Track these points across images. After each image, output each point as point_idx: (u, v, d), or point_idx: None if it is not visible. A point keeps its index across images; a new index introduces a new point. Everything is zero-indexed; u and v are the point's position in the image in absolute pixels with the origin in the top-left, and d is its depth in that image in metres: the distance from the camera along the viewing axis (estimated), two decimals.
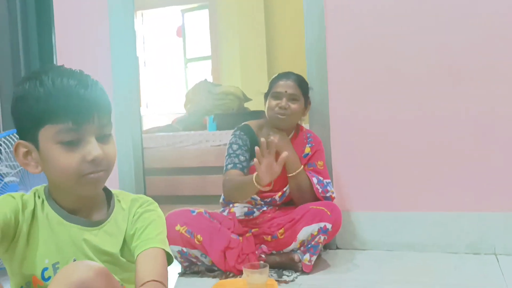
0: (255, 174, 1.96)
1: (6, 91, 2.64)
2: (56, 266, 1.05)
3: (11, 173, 1.98)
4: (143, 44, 6.74)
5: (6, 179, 1.97)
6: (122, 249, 1.11)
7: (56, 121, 0.98)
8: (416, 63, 2.32)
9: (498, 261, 2.13)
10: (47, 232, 1.06)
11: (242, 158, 2.22)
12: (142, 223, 1.12)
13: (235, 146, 2.24)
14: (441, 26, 2.28)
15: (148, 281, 0.99)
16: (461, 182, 2.28)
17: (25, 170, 2.01)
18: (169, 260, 1.11)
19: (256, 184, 1.95)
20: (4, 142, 1.98)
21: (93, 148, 1.00)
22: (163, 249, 1.08)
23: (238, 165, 2.19)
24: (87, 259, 1.05)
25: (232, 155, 2.23)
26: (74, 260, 1.05)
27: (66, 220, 1.07)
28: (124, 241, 1.11)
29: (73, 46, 2.82)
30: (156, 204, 1.18)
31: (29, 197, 1.08)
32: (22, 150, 1.04)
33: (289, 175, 2.20)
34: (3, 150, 1.97)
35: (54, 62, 2.76)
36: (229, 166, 2.20)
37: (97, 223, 1.09)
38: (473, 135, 2.26)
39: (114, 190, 1.18)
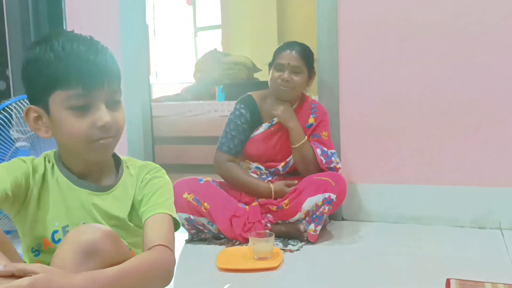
0: (273, 187, 2.20)
1: (16, 56, 2.65)
2: (66, 229, 1.07)
3: (22, 138, 2.00)
4: (153, 12, 6.66)
5: (17, 144, 2.00)
6: (130, 214, 1.13)
7: (66, 86, 0.99)
8: (429, 33, 2.28)
9: (503, 236, 2.14)
10: (57, 196, 1.08)
11: (236, 141, 2.25)
12: (150, 189, 1.13)
13: (232, 125, 2.26)
14: None
15: (155, 246, 1.02)
16: (469, 157, 2.27)
17: (36, 135, 2.03)
18: (176, 226, 1.13)
19: (272, 196, 2.20)
20: (15, 107, 1.99)
21: (103, 114, 1.01)
22: (170, 215, 1.10)
23: (232, 150, 2.25)
24: (96, 223, 1.07)
25: (228, 134, 2.26)
26: (83, 224, 1.07)
27: (76, 184, 1.09)
28: (132, 206, 1.13)
29: (82, 12, 2.80)
30: (164, 171, 1.20)
31: (39, 161, 1.10)
32: (33, 115, 1.05)
33: (293, 146, 2.21)
34: (14, 116, 1.99)
35: (64, 28, 2.75)
36: (224, 147, 2.25)
37: (106, 188, 1.11)
38: (483, 109, 2.24)
39: (122, 157, 1.20)
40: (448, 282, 1.62)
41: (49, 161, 1.11)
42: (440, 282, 1.62)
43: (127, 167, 1.18)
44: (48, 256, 1.04)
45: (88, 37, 1.04)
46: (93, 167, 1.11)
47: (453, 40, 2.25)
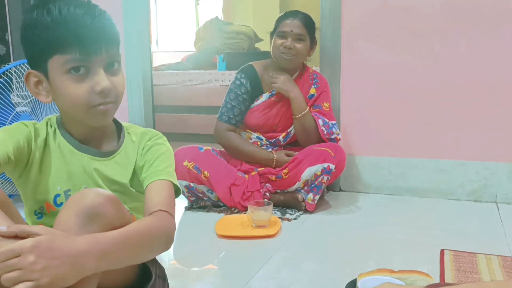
0: (275, 156, 2.22)
1: (16, 20, 2.62)
2: (68, 193, 1.08)
3: (22, 103, 2.01)
4: None
5: (18, 109, 2.00)
6: (131, 180, 1.14)
7: (64, 51, 0.98)
8: (434, 6, 2.25)
9: (498, 209, 2.17)
10: (59, 161, 1.09)
11: (236, 111, 2.25)
12: (151, 155, 1.14)
13: (232, 95, 2.26)
14: None
15: (156, 211, 1.03)
16: (467, 131, 2.28)
17: (36, 100, 2.03)
18: (177, 192, 1.14)
19: (273, 164, 2.22)
20: (15, 71, 1.98)
21: (101, 79, 1.01)
22: (171, 181, 1.12)
23: (232, 119, 2.26)
24: (98, 187, 1.08)
25: (228, 104, 2.26)
26: (85, 188, 1.08)
27: (78, 149, 1.09)
28: (134, 172, 1.14)
29: None
30: (165, 138, 1.21)
31: (41, 125, 1.11)
32: (33, 79, 1.05)
33: (295, 116, 2.21)
34: (14, 80, 1.98)
35: None
36: (224, 117, 2.26)
37: (107, 154, 1.12)
38: (481, 84, 2.23)
39: (124, 123, 1.20)
40: (442, 252, 1.65)
41: (51, 126, 1.11)
42: (434, 253, 1.65)
43: (128, 133, 1.18)
44: (51, 219, 1.05)
45: (86, 1, 1.03)
46: (94, 133, 1.12)
47: (459, 10, 2.22)
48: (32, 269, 0.77)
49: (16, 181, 1.10)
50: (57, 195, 1.08)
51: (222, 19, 5.58)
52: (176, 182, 1.13)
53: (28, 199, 1.10)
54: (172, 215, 1.05)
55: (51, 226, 0.91)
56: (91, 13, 1.00)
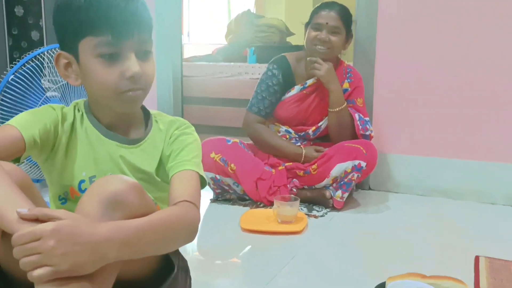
0: (305, 151, 2.16)
1: (50, 6, 2.64)
2: (93, 179, 1.06)
3: (52, 87, 2.01)
4: None
5: (48, 94, 2.01)
6: (157, 169, 1.12)
7: (96, 33, 0.97)
8: (475, 5, 2.16)
9: None
10: (86, 146, 1.07)
11: (267, 103, 2.20)
12: (178, 145, 1.11)
13: (263, 86, 2.21)
14: None
15: (180, 201, 1.00)
16: (505, 133, 2.19)
17: (66, 86, 2.04)
18: (203, 183, 1.11)
19: (301, 159, 2.16)
20: (47, 56, 1.99)
21: (132, 64, 0.98)
22: (197, 172, 1.09)
23: (262, 111, 2.22)
24: (123, 175, 1.06)
25: (259, 95, 2.22)
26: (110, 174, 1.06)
27: (104, 136, 1.08)
28: (160, 161, 1.12)
29: None
30: (193, 128, 1.18)
31: (69, 109, 1.09)
32: (63, 61, 1.04)
33: (332, 110, 2.15)
34: (45, 65, 1.99)
35: None
36: (254, 108, 2.22)
37: (134, 141, 1.10)
38: None
39: (152, 111, 1.18)
40: (477, 259, 1.57)
41: (78, 110, 1.09)
42: (468, 259, 1.58)
43: (156, 121, 1.16)
44: (74, 204, 1.03)
45: None
46: (122, 119, 1.09)
47: (499, 15, 2.12)
48: (51, 254, 0.75)
49: (42, 165, 1.09)
50: (82, 181, 1.06)
51: (254, 12, 5.53)
52: (203, 173, 1.10)
53: (53, 184, 1.09)
54: (197, 206, 1.02)
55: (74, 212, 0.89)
56: None
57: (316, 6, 2.21)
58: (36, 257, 0.75)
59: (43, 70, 1.99)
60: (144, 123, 1.14)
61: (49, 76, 2.01)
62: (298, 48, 3.80)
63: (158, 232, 0.90)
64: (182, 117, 2.93)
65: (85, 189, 1.05)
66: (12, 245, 0.76)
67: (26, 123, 0.99)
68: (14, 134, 0.96)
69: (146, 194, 0.98)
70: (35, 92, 1.99)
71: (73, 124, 1.08)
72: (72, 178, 1.06)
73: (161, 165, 1.12)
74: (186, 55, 4.82)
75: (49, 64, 2.00)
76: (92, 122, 1.08)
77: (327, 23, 2.11)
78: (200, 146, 1.16)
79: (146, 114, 1.16)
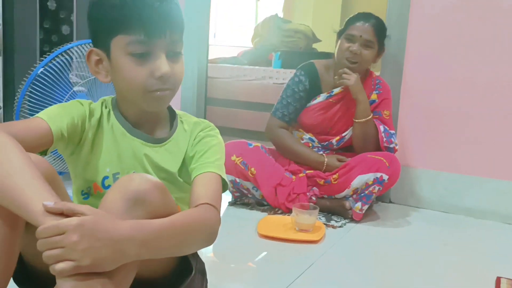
0: (327, 160, 2.14)
1: (82, 1, 2.67)
2: (116, 176, 1.07)
3: (80, 82, 2.03)
4: None
5: (75, 88, 2.03)
6: (180, 169, 1.11)
7: (128, 31, 0.97)
8: (506, 22, 2.11)
9: None
10: (111, 142, 1.07)
11: (291, 108, 2.19)
12: (202, 146, 1.11)
13: (289, 91, 2.20)
14: None
15: (202, 203, 1.00)
16: None
17: (93, 81, 2.06)
18: (224, 186, 1.10)
19: (323, 168, 2.15)
20: (76, 51, 2.02)
21: (162, 64, 0.99)
22: (220, 175, 1.08)
23: (286, 117, 2.20)
24: (146, 173, 1.06)
25: (284, 100, 2.21)
26: (134, 173, 1.06)
27: (130, 133, 1.08)
28: (183, 161, 1.12)
29: None
30: (217, 130, 1.17)
31: (96, 105, 1.10)
32: (94, 57, 1.04)
33: (358, 121, 2.12)
34: (74, 59, 2.02)
35: None
36: (278, 113, 2.21)
37: (159, 141, 1.10)
38: None
39: (178, 111, 1.18)
40: (498, 280, 1.53)
41: (106, 107, 1.10)
42: (489, 280, 1.54)
43: (182, 121, 1.16)
44: (97, 200, 1.04)
45: None
46: (148, 117, 1.10)
47: None
48: (74, 248, 0.75)
49: (67, 158, 1.10)
50: (106, 177, 1.07)
51: (282, 16, 5.53)
52: (225, 176, 1.10)
53: (77, 178, 1.09)
54: (218, 209, 1.02)
55: (97, 207, 0.89)
56: None
57: (352, 16, 2.17)
58: (59, 250, 0.75)
59: (71, 64, 2.01)
60: (170, 123, 1.14)
61: (77, 71, 2.04)
62: (324, 55, 3.79)
63: (179, 234, 0.89)
64: (205, 118, 2.93)
65: (109, 185, 1.06)
66: (36, 237, 0.77)
67: (55, 116, 0.99)
68: (42, 126, 0.97)
69: (169, 194, 0.98)
70: (62, 86, 2.02)
71: (100, 120, 1.08)
72: (96, 174, 1.07)
73: (184, 165, 1.12)
74: (211, 56, 4.83)
75: (78, 59, 2.02)
76: (119, 119, 1.09)
77: (361, 36, 2.08)
78: (223, 149, 1.15)
79: (172, 114, 1.16)
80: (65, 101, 1.99)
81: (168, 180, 1.09)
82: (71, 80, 2.03)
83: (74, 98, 2.01)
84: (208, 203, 1.00)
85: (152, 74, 0.99)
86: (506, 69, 2.14)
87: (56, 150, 1.05)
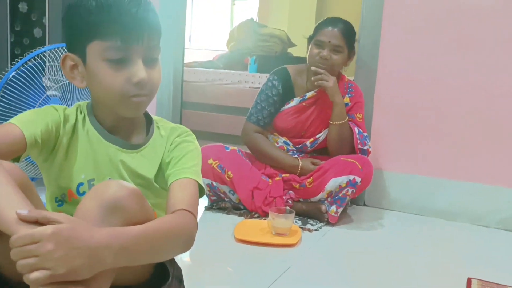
0: (301, 163, 2.16)
1: (54, 4, 2.63)
2: (92, 182, 1.06)
3: (53, 87, 2.00)
4: None
5: (48, 92, 2.00)
6: (156, 175, 1.11)
7: (105, 37, 0.97)
8: (479, 21, 2.17)
9: None
10: (86, 148, 1.06)
11: (266, 113, 2.21)
12: (178, 152, 1.11)
13: (263, 96, 2.22)
14: None
15: (178, 209, 0.99)
16: (503, 156, 2.19)
17: (67, 85, 2.03)
18: (201, 192, 1.10)
19: (298, 171, 2.17)
20: (49, 55, 1.98)
21: (139, 70, 0.98)
22: (196, 181, 1.08)
23: (261, 121, 2.22)
24: (122, 180, 1.05)
25: (258, 105, 2.23)
26: (109, 179, 1.06)
27: (106, 139, 1.07)
28: (160, 167, 1.11)
29: None
30: (194, 136, 1.17)
31: (71, 111, 1.09)
32: (70, 63, 1.03)
33: (334, 123, 2.15)
34: (47, 63, 1.98)
35: None
36: (253, 118, 2.23)
37: (135, 147, 1.09)
38: None
39: (154, 117, 1.17)
40: (469, 281, 1.57)
41: (81, 112, 1.09)
42: (460, 281, 1.58)
43: (158, 127, 1.15)
44: (71, 207, 1.03)
45: None
46: (124, 123, 1.09)
47: (504, 31, 2.14)
48: (49, 257, 0.74)
49: (41, 165, 1.08)
50: (81, 184, 1.05)
51: (257, 21, 5.55)
52: (201, 182, 1.10)
53: (51, 185, 1.08)
54: (194, 215, 1.02)
55: (71, 215, 0.88)
56: (136, 1, 0.98)
57: (321, 21, 2.21)
58: (34, 259, 0.74)
59: (44, 68, 1.98)
60: (146, 128, 1.14)
61: (50, 75, 2.00)
62: (299, 59, 3.81)
63: (156, 240, 0.89)
64: (181, 122, 2.92)
65: (84, 192, 1.05)
66: (10, 247, 0.75)
67: (28, 122, 0.98)
68: (15, 132, 0.95)
69: (145, 201, 0.98)
70: (35, 91, 1.98)
71: (75, 126, 1.07)
72: (71, 180, 1.05)
73: (160, 171, 1.11)
74: (187, 60, 4.82)
75: (51, 63, 1.99)
76: (94, 125, 1.08)
77: (329, 41, 2.12)
78: (200, 155, 1.16)
79: (148, 120, 1.15)
80: (38, 106, 1.96)
81: (144, 186, 1.09)
82: (44, 84, 1.99)
83: (47, 103, 1.98)
84: (185, 209, 0.99)
85: (129, 80, 0.98)
86: (478, 73, 2.20)
87: (28, 156, 1.04)
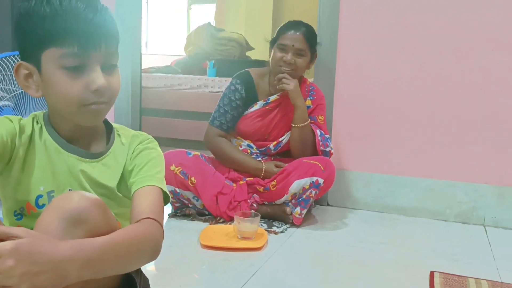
0: (265, 166, 2.16)
1: (2, 10, 2.53)
2: (51, 194, 1.02)
3: (5, 97, 1.93)
4: None
5: (0, 103, 1.92)
6: (119, 184, 1.08)
7: (61, 44, 0.93)
8: (433, 19, 2.24)
9: (486, 232, 2.15)
10: (44, 159, 1.03)
11: (229, 117, 2.21)
12: (141, 160, 1.09)
13: (226, 100, 2.21)
14: None
15: (143, 218, 0.97)
16: (458, 152, 2.27)
17: (20, 95, 1.95)
18: (166, 199, 1.09)
19: (261, 174, 2.17)
20: (0, 64, 1.91)
21: (97, 77, 0.96)
22: (161, 188, 1.06)
23: (224, 125, 2.21)
24: (83, 190, 1.02)
25: (221, 109, 2.22)
26: (70, 190, 1.02)
27: (64, 149, 1.04)
28: (122, 176, 1.09)
29: None
30: (156, 142, 1.15)
31: (27, 121, 1.04)
32: (24, 71, 0.99)
33: (296, 125, 2.17)
34: None
35: None
36: (216, 122, 2.22)
37: (95, 155, 1.06)
38: (474, 105, 2.23)
39: (114, 124, 1.14)
40: (432, 274, 1.61)
41: (37, 122, 1.05)
42: (423, 274, 1.62)
43: (119, 135, 1.12)
44: (31, 220, 0.99)
45: None
46: (83, 132, 1.06)
47: (456, 28, 2.22)
48: (10, 274, 0.71)
49: None
50: (39, 196, 1.02)
51: (215, 25, 5.53)
52: (166, 189, 1.08)
53: (8, 198, 1.03)
54: (160, 223, 1.00)
55: (31, 229, 0.85)
56: (93, 7, 0.95)
57: (283, 25, 2.22)
58: None
59: None
60: (106, 136, 1.11)
61: (2, 85, 1.93)
62: (258, 62, 3.83)
63: (122, 251, 0.87)
64: (140, 129, 2.87)
65: (43, 204, 1.01)
66: None
67: None
68: None
69: (109, 210, 0.95)
70: None
71: (31, 137, 1.03)
72: (29, 193, 1.01)
73: (122, 180, 1.09)
74: (145, 65, 4.75)
75: (2, 72, 1.91)
76: (52, 135, 1.04)
77: (293, 45, 2.13)
78: (163, 162, 1.14)
79: (109, 128, 1.12)
80: None
81: (107, 196, 1.06)
82: None
83: (0, 113, 1.90)
84: (150, 217, 0.98)
85: (87, 87, 0.96)
86: (435, 72, 2.26)
87: None
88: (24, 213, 1.02)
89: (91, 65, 0.96)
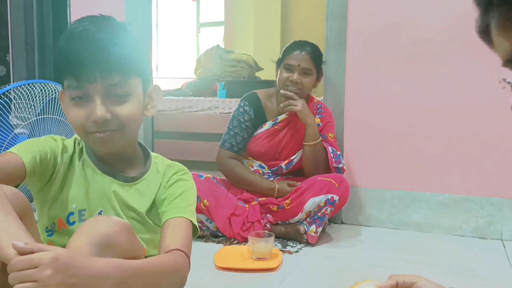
0: (278, 186, 2.16)
1: (18, 41, 2.59)
2: (82, 212, 1.07)
3: (21, 124, 1.96)
4: (156, 6, 6.62)
5: (16, 131, 1.96)
6: (149, 210, 1.12)
7: (65, 76, 1.00)
8: (439, 39, 2.25)
9: (504, 247, 2.12)
10: (81, 179, 1.07)
11: (239, 138, 2.22)
12: (175, 190, 1.13)
13: (235, 122, 2.23)
14: None
15: (173, 249, 1.01)
16: (473, 166, 2.25)
17: (35, 123, 1.99)
18: (194, 232, 1.12)
19: (275, 194, 2.16)
20: (14, 92, 1.95)
21: (95, 109, 1.00)
22: (191, 221, 1.09)
23: (235, 147, 2.22)
24: (114, 212, 1.07)
25: (231, 131, 2.24)
26: (101, 211, 1.07)
27: (101, 170, 1.08)
28: (153, 203, 1.12)
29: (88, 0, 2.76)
30: (190, 174, 1.19)
31: (69, 142, 1.11)
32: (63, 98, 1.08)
33: (308, 144, 2.17)
34: (13, 101, 1.95)
35: (67, 13, 2.69)
36: (227, 144, 2.23)
37: (130, 179, 1.10)
38: (489, 119, 2.21)
39: (152, 153, 1.19)
40: None
41: (79, 144, 1.11)
42: None
43: (156, 163, 1.17)
44: (61, 237, 1.04)
45: (106, 26, 1.01)
46: (118, 156, 1.11)
47: (464, 47, 2.22)
48: (48, 283, 0.74)
49: (35, 195, 1.08)
50: (71, 213, 1.06)
51: (223, 47, 5.60)
52: (196, 222, 1.11)
53: (43, 215, 1.08)
54: (188, 256, 1.04)
55: (61, 245, 0.89)
56: (92, 41, 0.98)
57: (288, 45, 2.25)
58: (32, 284, 0.73)
59: (10, 106, 1.95)
60: (144, 162, 1.15)
61: (17, 113, 1.97)
62: (268, 83, 3.85)
63: (152, 277, 0.90)
64: (153, 151, 2.89)
65: (73, 222, 1.05)
66: (6, 272, 0.75)
67: (28, 151, 0.99)
68: (15, 161, 0.96)
69: (135, 236, 1.00)
70: (2, 129, 1.94)
71: (72, 157, 1.09)
72: (62, 209, 1.06)
73: (153, 207, 1.13)
74: None
75: (17, 100, 1.96)
76: (90, 156, 1.09)
77: (299, 65, 2.15)
78: (195, 195, 1.18)
79: (146, 154, 1.16)
80: (7, 145, 1.91)
81: (136, 220, 1.10)
82: (11, 122, 1.96)
83: (15, 141, 1.94)
84: (179, 249, 1.01)
85: (88, 117, 1.01)
86: (444, 90, 2.26)
87: (25, 185, 1.05)
88: (55, 229, 1.06)
89: (92, 96, 1.00)
